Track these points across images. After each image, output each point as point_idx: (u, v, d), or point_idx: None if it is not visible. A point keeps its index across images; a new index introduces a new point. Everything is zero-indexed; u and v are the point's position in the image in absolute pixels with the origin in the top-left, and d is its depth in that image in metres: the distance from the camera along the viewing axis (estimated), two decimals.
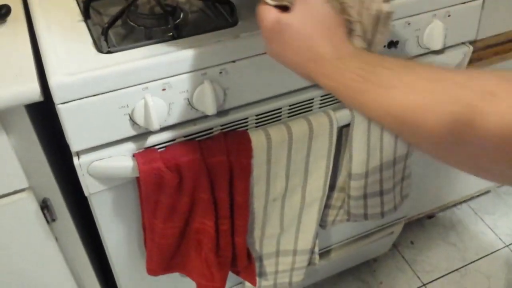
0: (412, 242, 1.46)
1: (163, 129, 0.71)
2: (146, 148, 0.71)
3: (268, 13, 0.53)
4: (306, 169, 0.83)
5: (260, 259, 0.97)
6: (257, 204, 0.84)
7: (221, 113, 0.74)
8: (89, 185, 0.72)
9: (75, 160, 0.68)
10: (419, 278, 1.37)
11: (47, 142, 0.77)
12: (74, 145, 0.66)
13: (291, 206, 0.88)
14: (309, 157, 0.82)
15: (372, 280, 1.36)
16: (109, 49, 0.65)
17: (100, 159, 0.69)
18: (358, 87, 0.46)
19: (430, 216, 1.53)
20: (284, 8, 0.53)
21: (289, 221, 0.90)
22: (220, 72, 0.68)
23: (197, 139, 0.74)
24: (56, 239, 0.87)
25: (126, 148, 0.70)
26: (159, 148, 0.72)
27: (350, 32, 0.53)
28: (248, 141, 0.74)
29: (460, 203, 1.57)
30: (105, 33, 0.65)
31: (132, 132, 0.68)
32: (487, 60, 1.04)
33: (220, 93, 0.70)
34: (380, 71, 0.45)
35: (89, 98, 0.62)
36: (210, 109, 0.69)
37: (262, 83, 0.73)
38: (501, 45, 1.05)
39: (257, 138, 0.75)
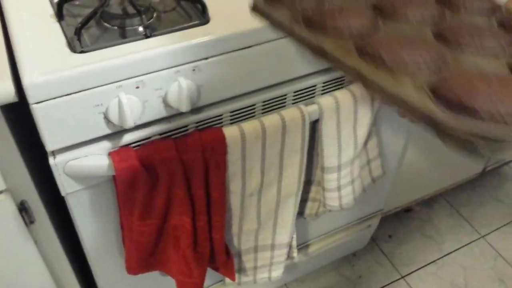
0: (390, 236, 1.48)
1: (138, 127, 0.72)
2: (122, 147, 0.72)
3: None
4: (280, 164, 0.85)
5: (239, 255, 0.98)
6: (234, 199, 0.85)
7: (195, 110, 0.75)
8: (65, 185, 0.72)
9: (51, 160, 0.69)
10: (397, 270, 1.39)
11: (23, 143, 0.77)
12: (49, 145, 0.66)
13: (268, 201, 0.89)
14: (283, 152, 0.84)
15: (351, 274, 1.38)
16: (83, 49, 0.65)
17: (76, 159, 0.70)
18: None
19: (407, 210, 1.57)
20: None
21: (266, 215, 0.92)
22: (193, 70, 0.70)
23: (172, 137, 0.75)
24: (35, 241, 0.87)
25: (101, 147, 0.71)
26: (134, 147, 0.73)
27: None
28: (222, 137, 0.76)
29: (436, 196, 1.61)
30: (78, 32, 0.66)
31: (107, 131, 0.69)
32: None
33: (194, 90, 0.71)
34: None
35: (63, 97, 0.63)
36: (184, 106, 0.70)
37: (236, 80, 0.75)
38: None
39: (231, 134, 0.76)
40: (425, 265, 1.41)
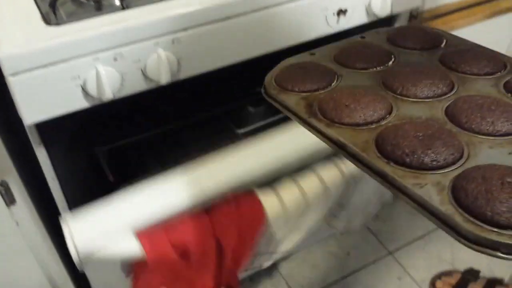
0: (376, 215, 1.49)
1: (119, 103, 0.71)
2: (150, 228, 0.69)
3: None
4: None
5: None
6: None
7: (177, 83, 0.74)
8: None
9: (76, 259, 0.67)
10: (385, 247, 1.40)
11: (2, 122, 0.76)
12: (27, 118, 0.65)
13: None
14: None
15: (339, 251, 1.39)
16: (58, 22, 0.64)
17: (99, 250, 0.67)
18: None
19: None
20: None
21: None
22: (173, 41, 0.69)
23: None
24: (17, 223, 0.86)
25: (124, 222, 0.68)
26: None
27: None
28: (261, 215, 0.72)
29: None
30: (53, 5, 0.65)
31: (85, 104, 0.68)
32: None
33: (174, 63, 0.70)
34: None
35: (40, 69, 0.62)
36: (163, 78, 0.69)
37: (218, 52, 0.74)
38: (450, 15, 1.09)
39: (271, 209, 0.73)
40: (412, 241, 1.42)
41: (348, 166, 0.78)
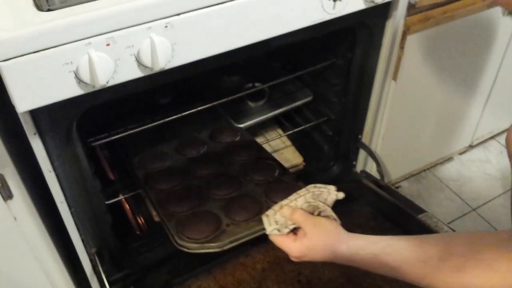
0: None
1: (113, 89, 0.70)
2: None
3: (293, 250, 0.75)
4: None
5: None
6: None
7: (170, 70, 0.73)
8: None
9: None
10: None
11: None
12: (19, 106, 0.65)
13: None
14: None
15: None
16: (49, 7, 0.64)
17: None
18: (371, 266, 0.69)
19: (396, 187, 1.56)
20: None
21: None
22: (166, 26, 0.68)
23: None
24: (15, 218, 0.85)
25: None
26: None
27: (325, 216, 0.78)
28: None
29: (425, 171, 1.60)
30: None
31: (79, 91, 0.67)
32: (435, 19, 1.07)
33: (168, 48, 0.69)
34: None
35: (31, 55, 0.61)
36: (158, 65, 0.68)
37: (211, 38, 0.73)
38: (449, 4, 1.08)
39: None
40: None
41: None
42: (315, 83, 1.23)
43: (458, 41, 1.18)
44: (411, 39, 1.05)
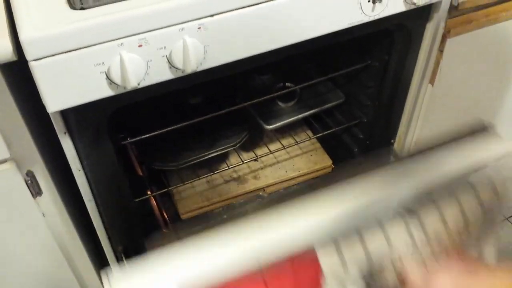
0: None
1: (144, 90, 0.69)
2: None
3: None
4: None
5: None
6: None
7: (203, 72, 0.72)
8: None
9: None
10: None
11: (27, 111, 0.75)
12: (50, 106, 0.64)
13: None
14: None
15: None
16: (83, 5, 0.63)
17: None
18: None
19: None
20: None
21: None
22: (199, 28, 0.67)
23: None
24: (43, 214, 0.85)
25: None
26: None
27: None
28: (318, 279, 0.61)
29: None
30: None
31: (110, 92, 0.66)
32: (477, 22, 1.02)
33: (200, 50, 0.68)
34: None
35: (63, 54, 0.61)
36: (189, 67, 0.67)
37: (246, 40, 0.71)
38: (492, 6, 1.03)
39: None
40: None
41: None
42: (348, 85, 1.20)
43: (500, 45, 1.13)
44: (451, 42, 1.01)
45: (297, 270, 0.60)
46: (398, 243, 0.57)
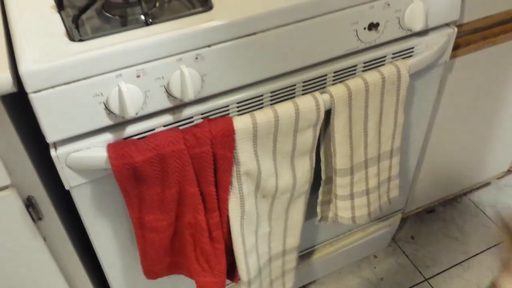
0: (412, 237, 1.43)
1: (141, 119, 0.71)
2: (124, 139, 0.70)
3: None
4: (292, 162, 0.82)
5: (259, 273, 0.94)
6: (248, 203, 0.81)
7: (200, 100, 0.73)
8: (68, 178, 0.71)
9: (52, 152, 0.68)
10: (421, 273, 1.34)
11: (27, 137, 0.76)
12: (50, 136, 0.65)
13: (280, 202, 0.86)
14: (295, 148, 0.80)
15: (372, 276, 1.33)
16: (81, 37, 0.64)
17: (78, 151, 0.68)
18: None
19: (430, 211, 1.51)
20: None
21: (277, 218, 0.88)
22: (196, 58, 0.68)
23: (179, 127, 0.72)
24: (45, 239, 0.86)
25: (104, 139, 0.69)
26: (139, 138, 0.71)
27: None
28: (232, 131, 0.72)
29: (460, 196, 1.55)
30: (75, 20, 0.65)
31: (108, 122, 0.67)
32: (476, 44, 1.03)
33: (197, 80, 0.69)
34: None
35: (62, 86, 0.62)
36: (187, 96, 0.68)
37: (241, 69, 0.72)
38: (490, 29, 1.04)
39: (241, 126, 0.73)
40: (450, 267, 1.35)
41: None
42: None
43: (499, 66, 1.13)
44: (451, 63, 1.02)
45: (213, 129, 0.71)
46: None
